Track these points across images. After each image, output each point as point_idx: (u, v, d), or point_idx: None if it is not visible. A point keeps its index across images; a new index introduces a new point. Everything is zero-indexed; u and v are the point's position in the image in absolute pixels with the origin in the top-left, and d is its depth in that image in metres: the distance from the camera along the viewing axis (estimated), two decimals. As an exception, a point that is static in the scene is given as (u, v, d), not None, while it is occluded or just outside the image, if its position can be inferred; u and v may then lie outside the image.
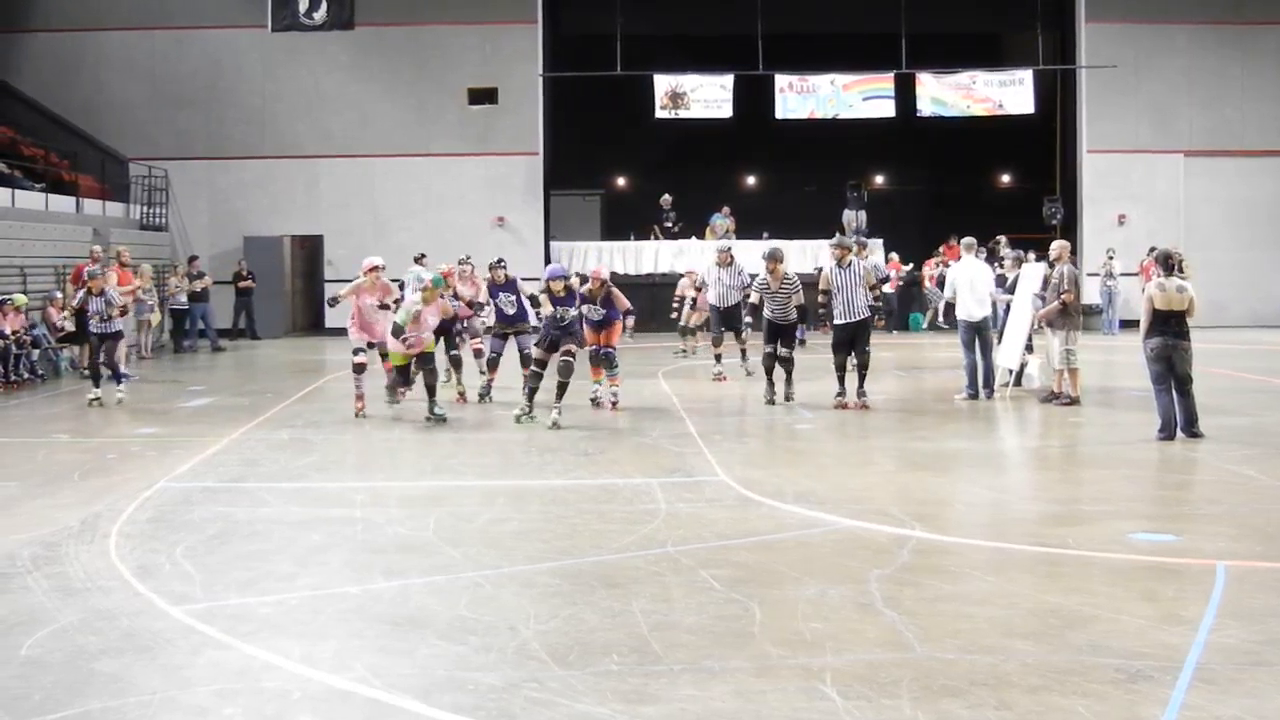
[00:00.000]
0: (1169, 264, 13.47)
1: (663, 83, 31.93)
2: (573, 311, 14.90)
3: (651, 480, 10.18)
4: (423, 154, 32.00)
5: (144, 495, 10.67)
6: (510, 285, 16.86)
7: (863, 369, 16.04)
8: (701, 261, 25.68)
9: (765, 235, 29.32)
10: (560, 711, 5.68)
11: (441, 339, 16.67)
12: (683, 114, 32.03)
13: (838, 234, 20.81)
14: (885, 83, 32.29)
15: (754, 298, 17.11)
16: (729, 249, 20.56)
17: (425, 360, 15.19)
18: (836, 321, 16.06)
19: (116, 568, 8.25)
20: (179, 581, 7.90)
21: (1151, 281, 13.59)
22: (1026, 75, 32.50)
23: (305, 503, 10.37)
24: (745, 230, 31.23)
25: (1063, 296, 15.90)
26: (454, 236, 29.80)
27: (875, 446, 13.24)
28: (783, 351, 16.54)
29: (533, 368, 14.86)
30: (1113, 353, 22.17)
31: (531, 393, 14.82)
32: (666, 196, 32.45)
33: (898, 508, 9.92)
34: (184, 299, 27.01)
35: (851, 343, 16.01)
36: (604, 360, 16.27)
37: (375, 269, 16.16)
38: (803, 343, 15.27)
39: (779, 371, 16.60)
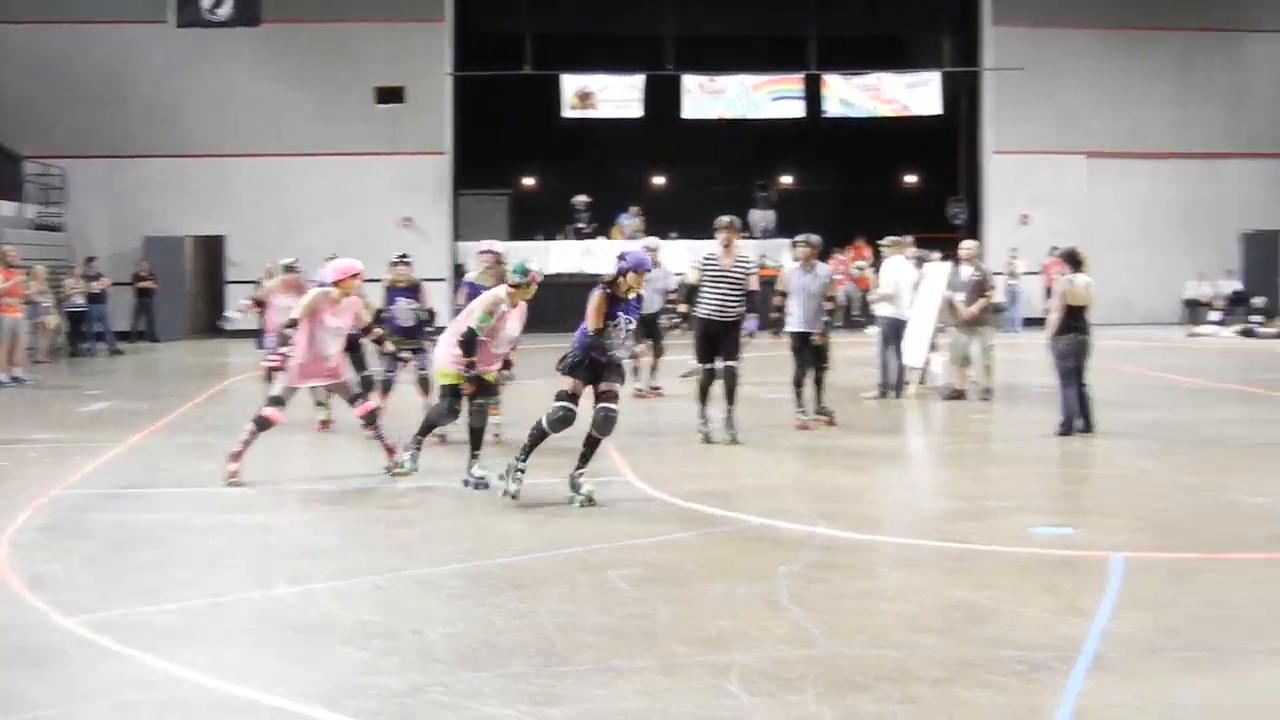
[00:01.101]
0: (1076, 260, 13.65)
1: (572, 82, 31.90)
2: (629, 326, 10.31)
3: (559, 481, 10.13)
4: (331, 154, 31.69)
5: (38, 503, 10.41)
6: (414, 290, 14.05)
7: (819, 383, 14.44)
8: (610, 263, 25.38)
9: (674, 236, 29.32)
10: (466, 714, 5.62)
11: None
12: (591, 113, 32.03)
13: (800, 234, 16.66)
14: (794, 84, 32.45)
15: (692, 277, 14.01)
16: (657, 248, 16.95)
17: (486, 391, 11.09)
18: (792, 329, 14.27)
19: (6, 578, 8.00)
20: (74, 591, 7.68)
21: (1064, 278, 13.76)
22: (932, 77, 32.82)
23: (206, 508, 10.18)
24: (654, 230, 31.14)
25: (987, 294, 16.31)
26: (361, 237, 29.44)
27: (784, 446, 13.25)
28: (724, 364, 13.25)
29: (564, 405, 9.96)
30: (1016, 350, 22.39)
31: (529, 449, 10.14)
32: (581, 197, 32.39)
33: (806, 506, 9.96)
34: (81, 300, 26.51)
35: (813, 353, 14.30)
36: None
37: (355, 275, 11.39)
38: (751, 336, 13.32)
39: (718, 389, 13.39)
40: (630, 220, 31.75)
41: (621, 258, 10.07)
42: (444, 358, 10.94)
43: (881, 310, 16.73)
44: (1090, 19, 33.26)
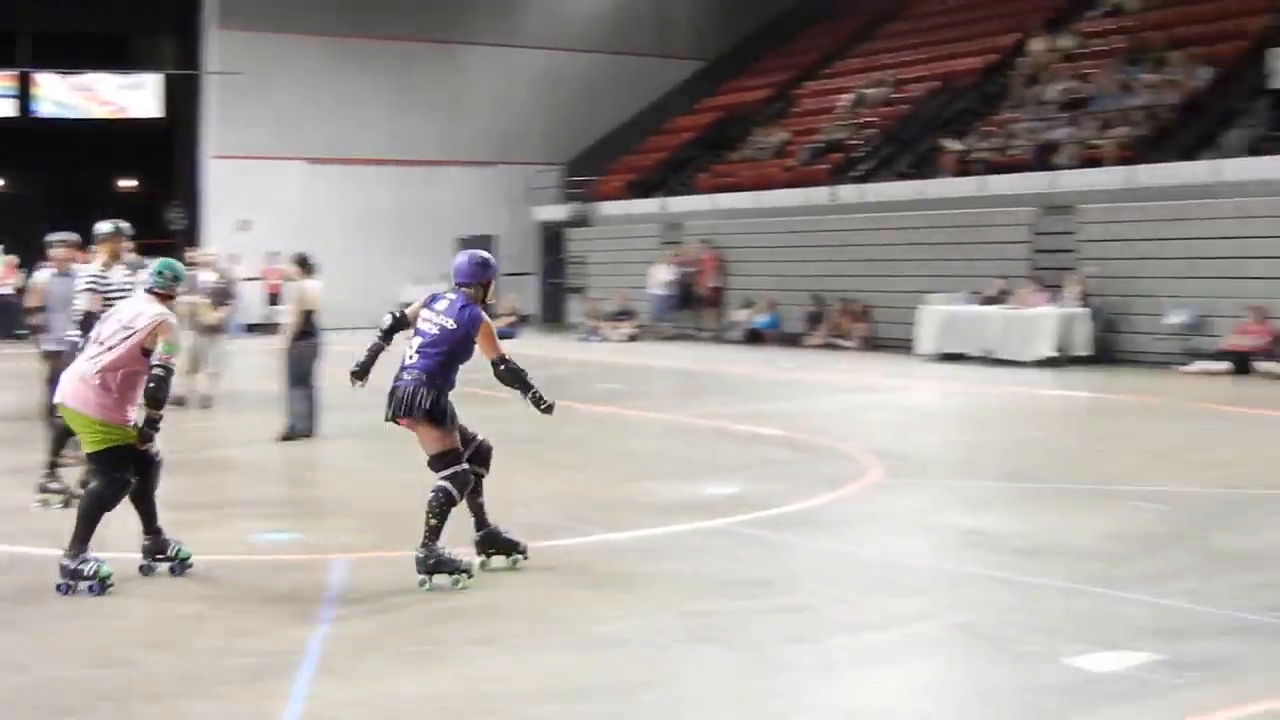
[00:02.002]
0: (307, 265, 13.79)
1: None
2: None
3: None
4: None
5: None
6: None
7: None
8: None
9: None
10: None
11: None
12: None
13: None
14: (6, 81, 30.67)
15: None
16: None
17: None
18: (49, 348, 11.42)
19: None
20: None
21: (296, 284, 13.85)
22: (151, 79, 32.08)
23: None
24: None
25: (230, 301, 16.18)
26: None
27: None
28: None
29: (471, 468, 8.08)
30: (237, 356, 22.22)
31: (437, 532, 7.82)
32: None
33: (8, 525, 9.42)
34: None
35: None
36: None
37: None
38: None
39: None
40: None
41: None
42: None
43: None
44: (312, 26, 33.73)
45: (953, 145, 26.76)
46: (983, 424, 15.62)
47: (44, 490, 10.10)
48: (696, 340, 28.99)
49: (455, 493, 7.75)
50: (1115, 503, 10.02)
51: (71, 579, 7.42)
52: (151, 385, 7.61)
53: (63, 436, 9.90)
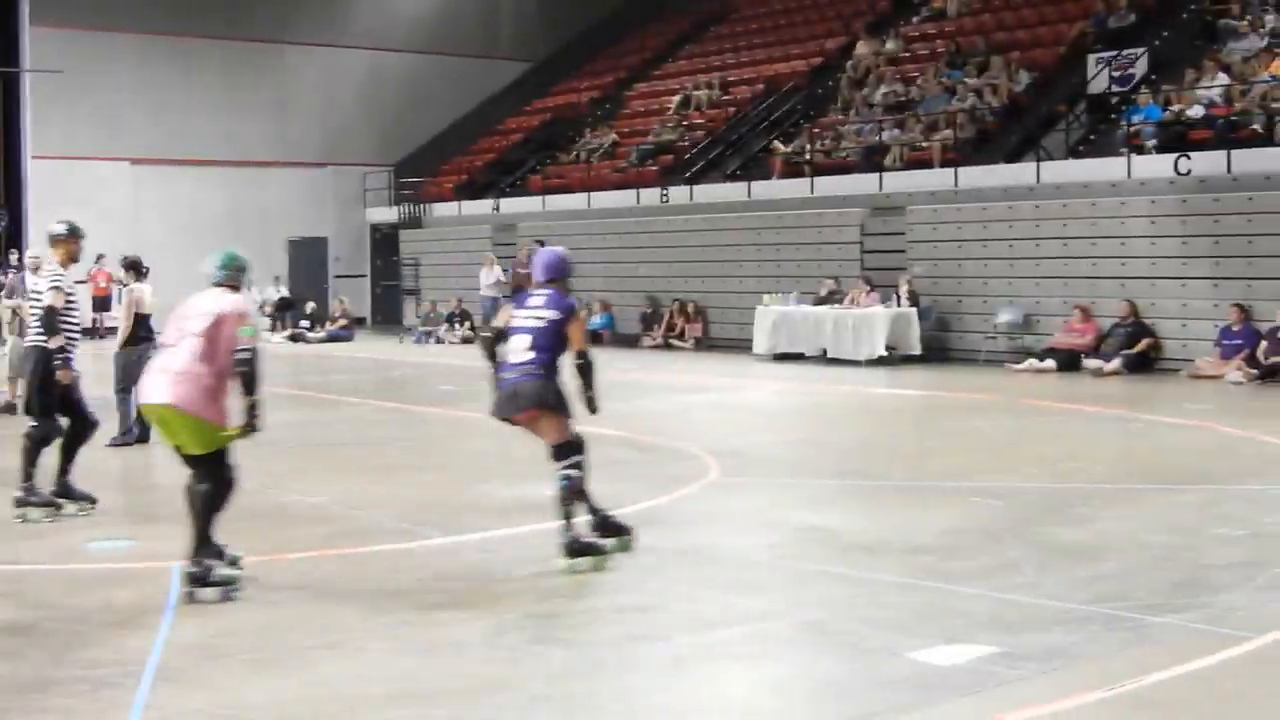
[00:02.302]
0: (139, 269, 13.56)
1: None
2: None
3: None
4: None
5: None
6: None
7: None
8: None
9: None
10: None
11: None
12: None
13: None
14: None
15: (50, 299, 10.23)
16: None
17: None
18: None
19: None
20: None
21: (129, 287, 13.62)
22: (-32, 76, 31.12)
23: None
24: None
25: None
26: None
27: None
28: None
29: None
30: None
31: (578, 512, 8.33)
32: None
33: None
34: None
35: None
36: None
37: None
38: None
39: None
40: None
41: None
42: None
43: None
44: (133, 24, 33.01)
45: (781, 147, 27.10)
46: (820, 423, 15.83)
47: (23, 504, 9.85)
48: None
49: (581, 479, 8.10)
50: (952, 499, 10.22)
51: (198, 585, 7.43)
52: (244, 370, 7.52)
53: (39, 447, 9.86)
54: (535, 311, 8.29)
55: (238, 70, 34.88)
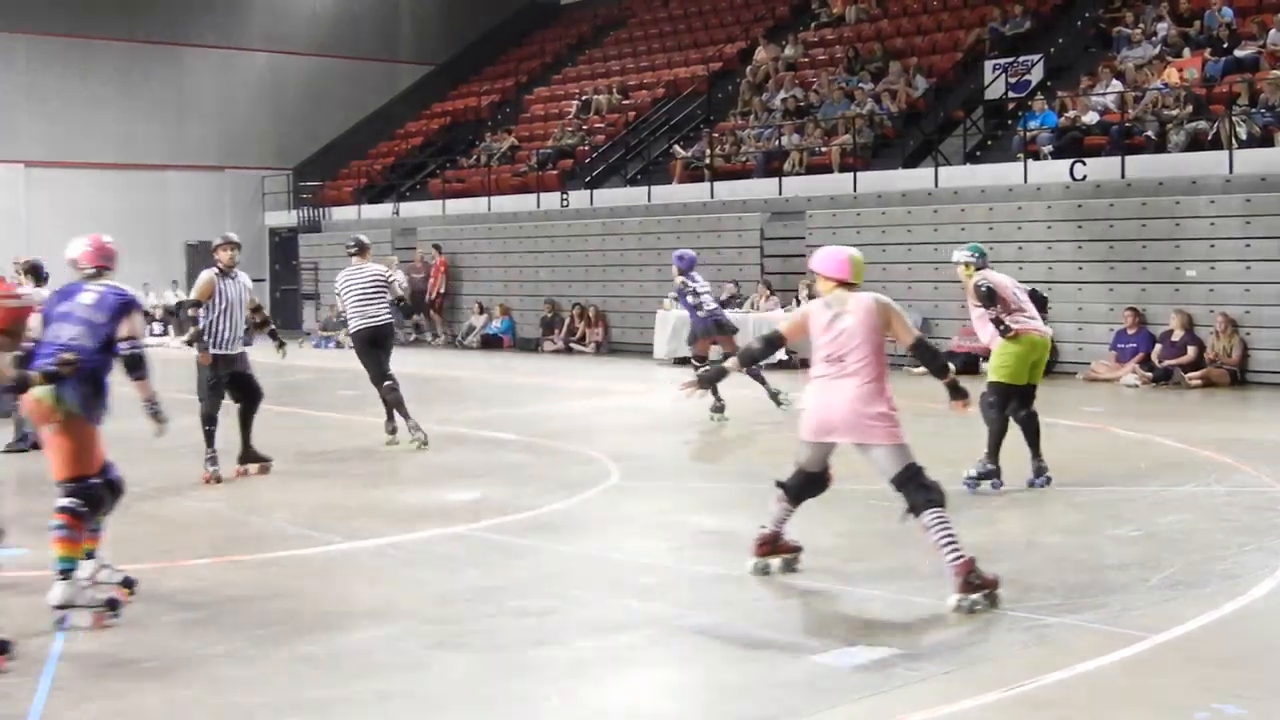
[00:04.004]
0: (40, 273, 13.60)
1: None
2: None
3: None
4: None
5: None
6: None
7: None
8: None
9: None
10: None
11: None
12: None
13: None
14: None
15: None
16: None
17: None
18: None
19: None
20: None
21: (33, 290, 13.41)
22: None
23: None
24: None
25: None
26: None
27: None
28: None
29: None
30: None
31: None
32: None
33: None
34: None
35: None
36: None
37: None
38: None
39: None
40: None
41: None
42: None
43: None
44: (26, 24, 32.44)
45: (681, 151, 27.17)
46: (719, 426, 15.86)
47: None
48: (430, 346, 28.80)
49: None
50: (852, 501, 10.26)
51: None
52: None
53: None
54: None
55: (134, 72, 34.40)
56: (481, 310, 28.63)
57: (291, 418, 16.68)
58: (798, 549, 8.20)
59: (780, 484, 8.12)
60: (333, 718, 5.74)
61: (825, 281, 7.82)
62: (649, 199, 26.64)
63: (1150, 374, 18.69)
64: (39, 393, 7.09)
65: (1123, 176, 20.10)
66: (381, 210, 32.70)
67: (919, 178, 22.67)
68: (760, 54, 29.14)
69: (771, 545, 8.11)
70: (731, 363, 8.46)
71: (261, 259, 36.29)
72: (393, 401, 13.79)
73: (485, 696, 5.99)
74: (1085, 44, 24.61)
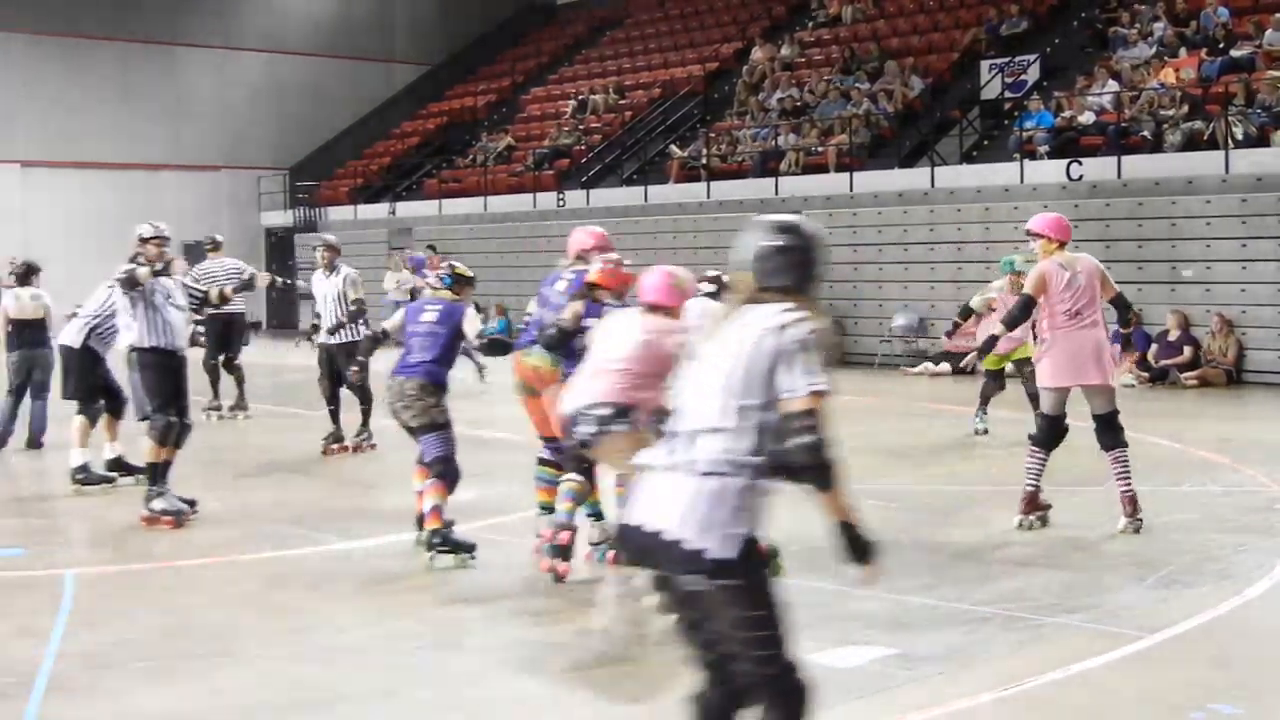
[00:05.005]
0: (29, 274, 13.60)
1: None
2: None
3: None
4: None
5: None
6: None
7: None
8: None
9: None
10: None
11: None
12: None
13: None
14: None
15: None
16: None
17: None
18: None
19: None
20: None
21: (14, 290, 13.47)
22: None
23: None
24: None
25: None
26: None
27: None
28: None
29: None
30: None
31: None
32: None
33: None
34: None
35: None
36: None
37: None
38: None
39: None
40: None
41: None
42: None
43: None
44: (23, 23, 32.41)
45: (678, 151, 27.17)
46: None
47: None
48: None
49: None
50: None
51: None
52: None
53: None
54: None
55: (130, 71, 34.36)
56: (478, 310, 28.61)
57: (285, 417, 16.70)
58: (1048, 506, 9.29)
59: (1031, 437, 9.39)
60: (333, 718, 5.75)
61: (1049, 243, 9.19)
62: (645, 199, 26.64)
63: (1147, 374, 18.71)
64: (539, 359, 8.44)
65: (1119, 177, 20.11)
66: (378, 210, 32.69)
67: (915, 178, 22.68)
68: (757, 54, 29.14)
69: (1033, 502, 9.19)
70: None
71: (258, 259, 36.23)
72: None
73: (485, 696, 6.00)
74: (1081, 44, 24.61)
